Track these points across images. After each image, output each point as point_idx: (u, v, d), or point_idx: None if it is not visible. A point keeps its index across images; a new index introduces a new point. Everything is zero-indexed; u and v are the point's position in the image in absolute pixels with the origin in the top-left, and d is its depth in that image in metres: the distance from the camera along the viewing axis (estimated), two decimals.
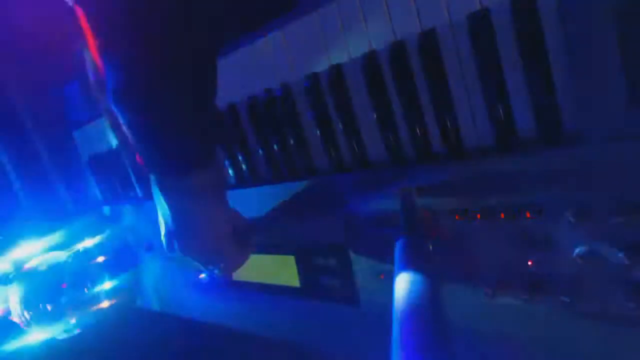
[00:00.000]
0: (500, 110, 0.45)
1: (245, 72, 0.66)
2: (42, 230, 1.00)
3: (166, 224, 0.56)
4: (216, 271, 0.63)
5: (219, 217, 0.56)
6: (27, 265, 0.90)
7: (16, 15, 0.98)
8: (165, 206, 0.54)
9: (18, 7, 0.98)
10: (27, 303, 0.86)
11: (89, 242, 0.98)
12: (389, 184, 0.53)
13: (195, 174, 0.50)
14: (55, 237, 0.99)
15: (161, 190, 0.53)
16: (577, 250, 0.42)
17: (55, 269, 0.91)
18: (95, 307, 0.92)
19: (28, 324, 0.86)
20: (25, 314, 0.85)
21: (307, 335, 0.69)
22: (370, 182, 0.55)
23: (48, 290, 0.88)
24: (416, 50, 0.49)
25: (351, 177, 0.57)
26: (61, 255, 0.93)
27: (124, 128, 0.47)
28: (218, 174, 0.54)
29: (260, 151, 0.68)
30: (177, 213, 0.54)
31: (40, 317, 0.86)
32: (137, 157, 0.51)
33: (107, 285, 0.96)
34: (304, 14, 0.56)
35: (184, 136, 0.47)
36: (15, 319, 0.86)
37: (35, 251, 0.96)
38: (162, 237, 0.58)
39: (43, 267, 0.90)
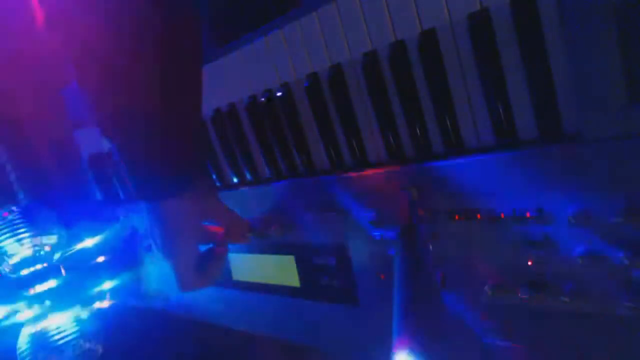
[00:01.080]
0: (500, 110, 0.45)
1: (245, 72, 0.66)
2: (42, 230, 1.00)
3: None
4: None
5: (183, 241, 0.58)
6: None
7: (16, 15, 0.98)
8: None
9: (18, 7, 0.98)
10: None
11: (89, 242, 0.98)
12: (389, 184, 0.53)
13: (168, 202, 0.55)
14: (55, 237, 0.99)
15: (147, 209, 0.58)
16: (577, 250, 0.42)
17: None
18: (95, 307, 0.92)
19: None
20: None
21: (307, 335, 0.69)
22: (370, 182, 0.55)
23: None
24: (416, 50, 0.49)
25: (351, 177, 0.57)
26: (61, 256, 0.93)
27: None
28: (193, 201, 0.57)
29: (260, 151, 0.68)
30: (154, 229, 0.59)
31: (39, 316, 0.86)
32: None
33: (107, 285, 0.96)
34: (304, 14, 0.56)
35: (152, 168, 0.52)
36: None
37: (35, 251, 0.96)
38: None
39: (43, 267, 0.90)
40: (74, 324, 0.85)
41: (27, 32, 0.96)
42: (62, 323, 0.84)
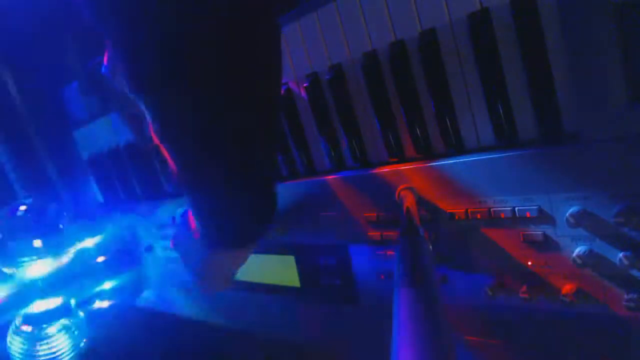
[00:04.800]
0: (500, 110, 0.45)
1: None
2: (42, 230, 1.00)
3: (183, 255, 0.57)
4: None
5: (233, 273, 0.56)
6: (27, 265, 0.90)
7: (16, 15, 0.98)
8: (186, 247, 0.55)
9: (18, 7, 0.98)
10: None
11: (89, 242, 0.98)
12: (389, 184, 0.53)
13: (247, 248, 0.50)
14: (55, 237, 0.99)
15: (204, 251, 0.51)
16: (577, 250, 0.42)
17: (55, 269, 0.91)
18: (95, 307, 0.92)
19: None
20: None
21: (307, 335, 0.69)
22: (370, 182, 0.55)
23: (48, 289, 0.88)
24: (416, 50, 0.49)
25: (351, 177, 0.57)
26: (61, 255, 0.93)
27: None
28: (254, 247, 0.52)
29: None
30: (195, 261, 0.54)
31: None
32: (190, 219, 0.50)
33: (107, 285, 0.96)
34: (304, 13, 0.56)
35: (243, 217, 0.45)
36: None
37: (35, 251, 0.96)
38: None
39: (44, 267, 0.90)
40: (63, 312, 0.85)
41: (27, 31, 0.97)
42: (50, 308, 0.84)
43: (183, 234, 0.58)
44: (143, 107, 0.38)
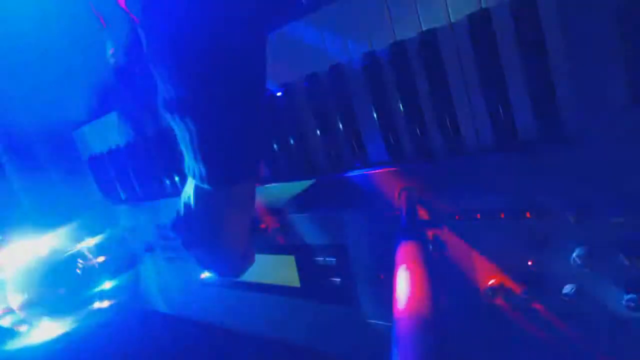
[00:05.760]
0: (500, 110, 0.45)
1: None
2: (42, 230, 1.00)
3: (185, 222, 0.58)
4: (218, 273, 0.63)
5: (245, 225, 0.57)
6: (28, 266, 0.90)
7: (17, 15, 0.98)
8: (193, 209, 0.55)
9: (19, 8, 0.98)
10: (28, 303, 0.86)
11: (89, 242, 0.98)
12: (389, 184, 0.53)
13: (239, 185, 0.51)
14: (55, 237, 0.99)
15: (198, 196, 0.54)
16: (577, 250, 0.42)
17: (55, 269, 0.91)
18: (95, 307, 0.93)
19: (25, 323, 0.85)
20: (23, 312, 0.85)
21: (307, 335, 0.69)
22: (370, 182, 0.55)
23: (49, 290, 0.88)
24: (416, 51, 0.49)
25: (351, 177, 0.57)
26: (61, 255, 0.93)
27: (180, 136, 0.49)
28: (254, 187, 0.56)
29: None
30: (206, 218, 0.55)
31: (39, 316, 0.86)
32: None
33: (107, 285, 0.96)
34: (304, 13, 0.56)
35: (233, 147, 0.48)
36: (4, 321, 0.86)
37: (35, 251, 0.96)
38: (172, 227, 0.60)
39: (44, 268, 0.90)
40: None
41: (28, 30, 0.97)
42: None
43: (180, 217, 0.59)
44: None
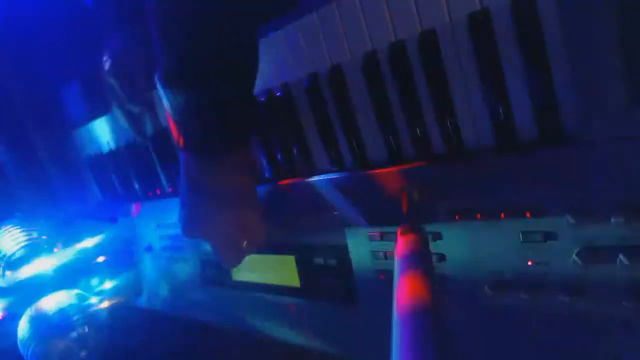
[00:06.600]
0: (500, 110, 0.45)
1: None
2: (41, 230, 1.00)
3: (190, 206, 0.58)
4: (227, 257, 0.63)
5: (249, 194, 0.60)
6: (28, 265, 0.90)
7: (16, 14, 0.98)
8: (192, 187, 0.57)
9: (18, 7, 0.98)
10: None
11: (89, 242, 0.98)
12: (389, 184, 0.53)
13: (233, 153, 0.56)
14: (55, 238, 0.99)
15: (198, 166, 0.56)
16: (577, 250, 0.42)
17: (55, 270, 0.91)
18: (95, 307, 0.92)
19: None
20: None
21: (307, 335, 0.69)
22: (370, 182, 0.55)
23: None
24: (416, 50, 0.49)
25: (351, 177, 0.57)
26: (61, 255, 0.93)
27: (168, 109, 0.53)
28: (251, 157, 0.60)
29: (261, 151, 0.68)
30: (206, 191, 0.57)
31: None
32: (175, 136, 0.55)
33: (107, 285, 0.96)
34: (304, 14, 0.56)
35: (226, 116, 0.52)
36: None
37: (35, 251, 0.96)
38: (180, 221, 0.60)
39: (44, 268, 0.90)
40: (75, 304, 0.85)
41: (27, 28, 0.97)
42: (62, 302, 0.84)
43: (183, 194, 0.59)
44: None
